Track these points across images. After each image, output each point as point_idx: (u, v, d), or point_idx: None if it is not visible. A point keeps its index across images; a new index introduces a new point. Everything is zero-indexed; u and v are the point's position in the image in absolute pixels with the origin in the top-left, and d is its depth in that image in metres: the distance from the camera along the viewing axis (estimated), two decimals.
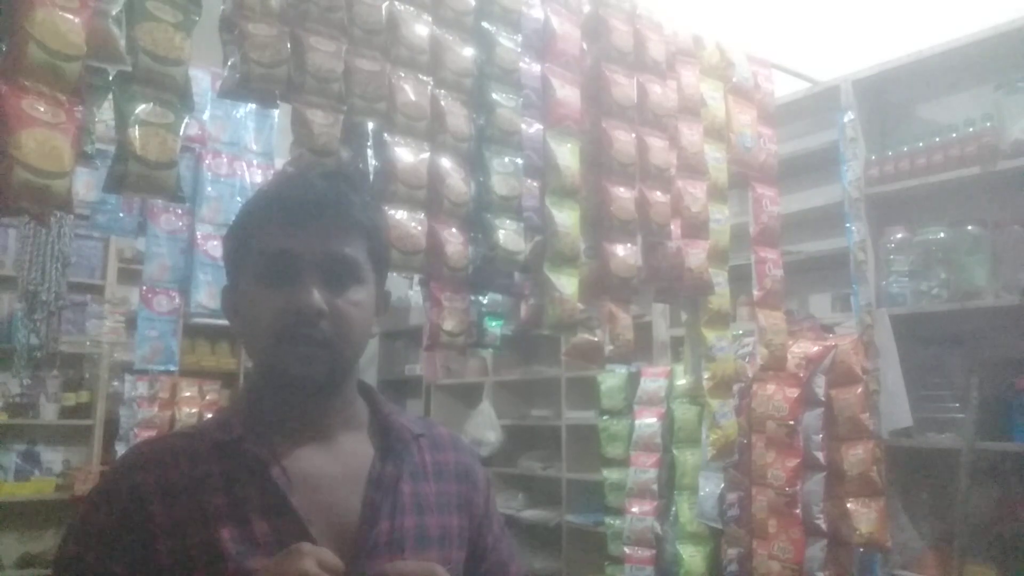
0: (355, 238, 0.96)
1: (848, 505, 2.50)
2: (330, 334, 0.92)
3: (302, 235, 0.92)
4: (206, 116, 2.56)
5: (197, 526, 0.86)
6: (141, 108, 1.35)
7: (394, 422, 1.01)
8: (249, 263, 0.95)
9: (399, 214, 1.61)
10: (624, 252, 1.97)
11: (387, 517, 0.94)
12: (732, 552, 2.79)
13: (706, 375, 2.26)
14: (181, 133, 1.41)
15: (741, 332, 2.77)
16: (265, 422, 0.95)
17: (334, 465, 0.95)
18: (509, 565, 1.11)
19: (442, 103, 1.70)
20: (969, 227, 2.59)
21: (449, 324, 1.69)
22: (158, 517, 0.86)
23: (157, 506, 0.87)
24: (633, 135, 2.01)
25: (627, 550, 3.06)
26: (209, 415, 4.24)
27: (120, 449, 4.09)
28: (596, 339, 1.95)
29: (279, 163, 2.69)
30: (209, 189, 2.59)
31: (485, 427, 4.92)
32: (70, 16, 1.22)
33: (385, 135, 1.61)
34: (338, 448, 0.97)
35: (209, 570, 0.85)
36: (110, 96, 1.39)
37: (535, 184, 1.86)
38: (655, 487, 3.03)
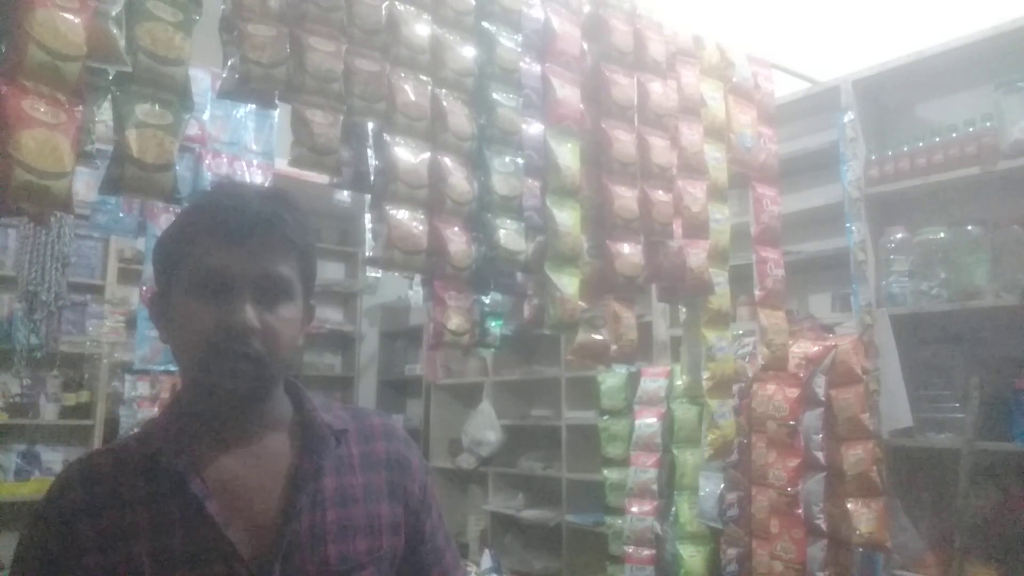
0: (288, 257, 0.97)
1: (848, 505, 2.50)
2: (260, 350, 0.93)
3: (238, 252, 0.93)
4: (206, 116, 2.56)
5: (120, 542, 0.89)
6: (140, 108, 1.35)
7: (315, 419, 1.02)
8: (183, 274, 0.95)
9: (400, 214, 1.61)
10: (629, 251, 1.97)
11: (307, 512, 0.96)
12: (732, 552, 2.79)
13: (706, 375, 2.26)
14: (180, 134, 1.41)
15: (741, 332, 2.77)
16: (187, 432, 0.96)
17: (254, 468, 0.96)
18: (445, 552, 1.13)
19: (443, 103, 1.70)
20: (969, 227, 2.59)
21: (454, 323, 1.69)
22: (84, 536, 0.89)
23: (84, 525, 0.89)
24: (633, 135, 2.01)
25: (627, 550, 3.06)
26: None
27: None
28: (602, 338, 1.95)
29: (279, 163, 2.69)
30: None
31: (485, 427, 4.92)
32: (70, 16, 1.21)
33: (385, 135, 1.61)
34: (259, 450, 0.98)
35: None
36: (110, 96, 1.39)
37: (536, 184, 1.87)
38: (655, 487, 3.03)
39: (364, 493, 1.02)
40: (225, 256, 0.93)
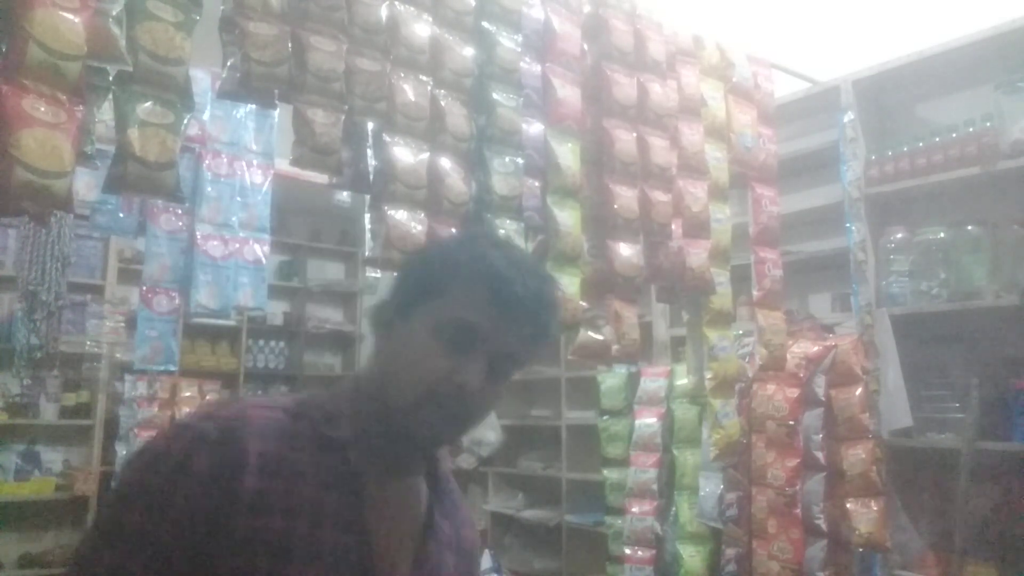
0: (535, 340, 0.96)
1: (848, 505, 2.51)
2: (469, 417, 0.94)
3: (502, 325, 0.92)
4: (206, 116, 2.56)
5: (275, 512, 0.85)
6: (141, 108, 1.35)
7: (443, 466, 1.05)
8: (438, 313, 0.93)
9: (399, 214, 1.61)
10: (629, 251, 1.97)
11: (435, 555, 0.98)
12: (731, 552, 2.79)
13: (708, 375, 2.26)
14: (182, 133, 1.41)
15: (741, 332, 2.77)
16: (366, 439, 0.94)
17: (399, 494, 0.98)
18: None
19: (442, 103, 1.70)
20: (969, 227, 2.59)
21: None
22: (247, 493, 0.84)
23: (250, 480, 0.84)
24: (634, 135, 2.01)
25: (627, 550, 3.06)
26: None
27: (120, 449, 4.09)
28: (603, 338, 1.95)
29: (279, 163, 2.69)
30: (209, 189, 2.59)
31: (485, 427, 4.91)
32: (70, 16, 1.22)
33: (385, 135, 1.62)
34: (404, 485, 0.99)
35: (271, 559, 0.83)
36: (110, 96, 1.39)
37: (536, 184, 1.87)
38: (655, 487, 3.03)
39: (458, 546, 1.04)
40: (491, 320, 0.91)
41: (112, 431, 4.28)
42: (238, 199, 2.65)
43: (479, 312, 0.91)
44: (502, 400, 1.00)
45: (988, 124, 2.55)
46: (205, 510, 0.82)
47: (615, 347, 1.97)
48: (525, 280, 0.93)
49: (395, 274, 1.03)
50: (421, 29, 1.68)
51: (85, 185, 2.26)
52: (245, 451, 0.85)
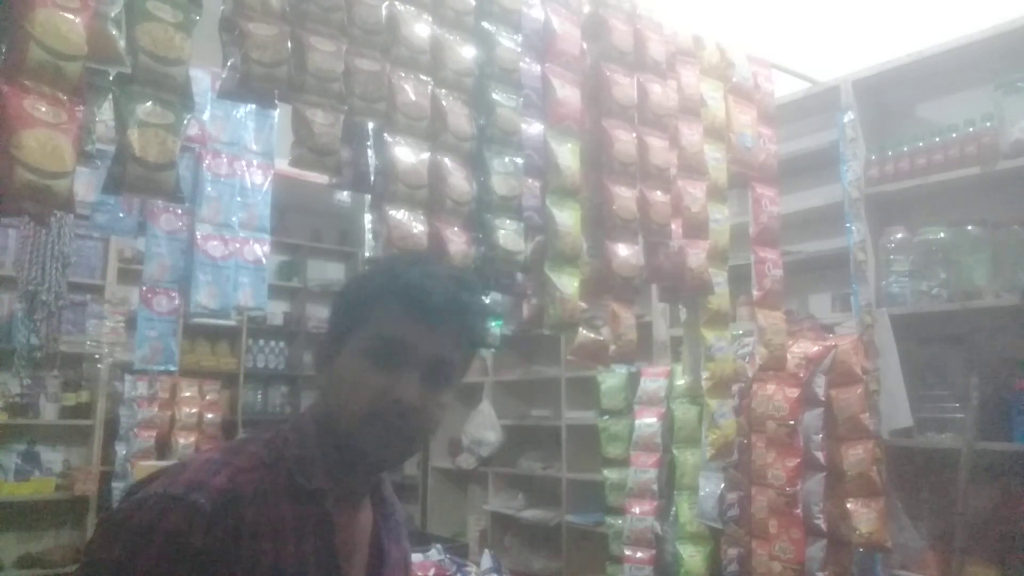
0: (463, 346, 1.00)
1: (848, 505, 2.51)
2: (415, 429, 0.97)
3: (426, 332, 0.95)
4: (206, 116, 2.56)
5: (265, 571, 0.87)
6: (141, 108, 1.35)
7: (386, 494, 1.10)
8: (364, 336, 0.96)
9: (400, 214, 1.61)
10: (627, 251, 1.97)
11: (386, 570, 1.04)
12: (732, 552, 2.79)
13: (705, 375, 2.26)
14: (182, 133, 1.41)
15: (741, 332, 2.77)
16: (327, 478, 0.96)
17: (356, 525, 1.03)
18: None
19: (443, 102, 1.70)
20: (969, 227, 2.59)
21: None
22: (245, 555, 0.86)
23: (244, 548, 0.86)
24: (633, 135, 2.01)
25: (627, 550, 3.06)
26: (210, 415, 4.26)
27: (120, 449, 4.10)
28: (601, 339, 1.95)
29: (279, 163, 2.69)
30: (209, 189, 2.59)
31: (485, 427, 4.92)
32: (70, 16, 1.22)
33: (386, 135, 1.62)
34: (357, 510, 1.04)
35: None
36: (110, 96, 1.39)
37: (536, 184, 1.87)
38: (655, 487, 3.03)
39: (397, 560, 1.09)
40: (414, 332, 0.95)
41: (112, 431, 4.29)
42: (238, 199, 2.65)
43: (401, 326, 0.95)
44: (448, 409, 1.02)
45: (988, 124, 2.55)
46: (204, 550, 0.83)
47: (612, 347, 1.97)
48: (442, 288, 0.97)
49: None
50: (421, 29, 1.68)
51: (85, 185, 2.26)
52: (241, 520, 0.87)
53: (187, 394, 4.25)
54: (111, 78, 1.36)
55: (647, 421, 3.10)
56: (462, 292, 1.00)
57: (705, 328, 2.24)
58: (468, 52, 1.75)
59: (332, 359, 0.99)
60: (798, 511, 2.54)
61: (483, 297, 1.11)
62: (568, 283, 1.85)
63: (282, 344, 5.91)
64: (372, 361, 0.95)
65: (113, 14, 1.32)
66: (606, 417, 3.33)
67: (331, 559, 0.93)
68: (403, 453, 1.00)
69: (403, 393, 0.93)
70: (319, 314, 6.11)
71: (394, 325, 0.95)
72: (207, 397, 4.34)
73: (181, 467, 0.91)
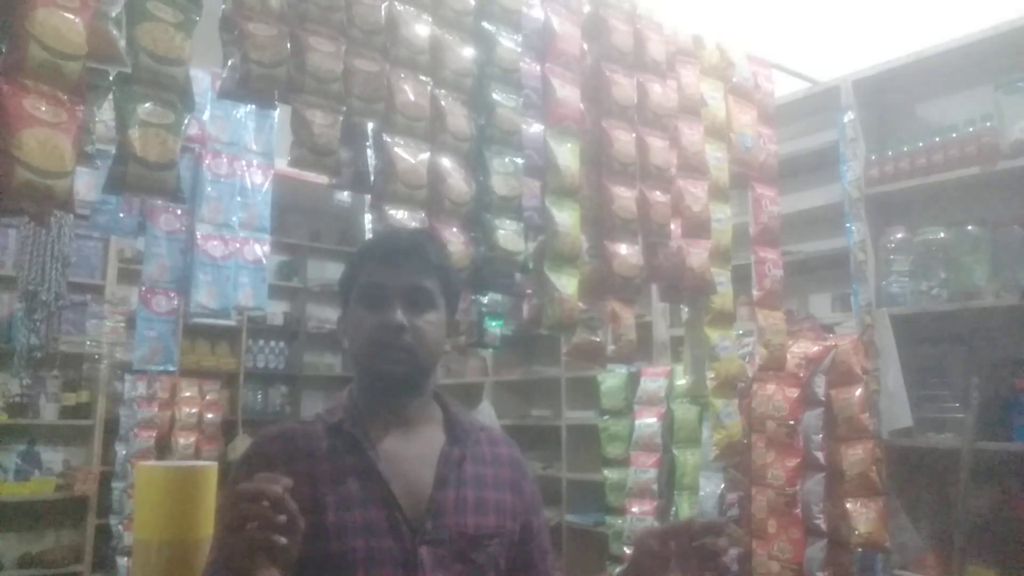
0: (430, 276, 1.25)
1: (847, 505, 2.50)
2: (411, 343, 1.20)
3: (392, 272, 1.22)
4: (206, 116, 2.56)
5: (307, 487, 1.10)
6: (142, 108, 1.35)
7: (461, 419, 1.29)
8: (355, 292, 1.24)
9: (399, 214, 1.61)
10: (627, 251, 1.97)
11: (452, 487, 1.20)
12: (732, 552, 2.79)
13: (710, 375, 2.26)
14: (182, 133, 1.41)
15: (741, 332, 2.77)
16: (363, 412, 1.23)
17: (414, 447, 1.23)
18: (548, 554, 1.34)
19: (442, 103, 1.70)
20: (969, 227, 2.59)
21: None
22: (289, 470, 1.05)
23: (282, 470, 1.04)
24: (633, 135, 2.01)
25: (627, 550, 3.06)
26: (210, 415, 4.27)
27: (120, 449, 4.10)
28: (598, 339, 1.95)
29: (279, 163, 2.69)
30: (209, 189, 2.59)
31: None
32: (71, 16, 1.22)
33: (385, 135, 1.61)
34: (417, 435, 1.24)
35: (313, 519, 1.06)
36: (110, 96, 1.39)
37: (536, 184, 1.87)
38: (655, 487, 3.03)
39: (494, 482, 1.26)
40: (383, 274, 1.22)
41: (112, 431, 4.29)
42: (238, 199, 2.65)
43: (375, 273, 1.23)
44: (442, 328, 1.26)
45: (988, 124, 2.55)
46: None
47: (611, 348, 1.97)
48: (395, 234, 1.36)
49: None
50: (421, 29, 1.68)
51: (85, 185, 2.26)
52: (282, 450, 1.18)
53: (187, 394, 4.24)
54: (111, 78, 1.36)
55: (647, 421, 3.10)
56: (410, 235, 1.33)
57: (709, 328, 2.24)
58: (468, 52, 1.75)
59: (346, 324, 1.26)
60: (798, 511, 2.54)
61: (432, 238, 1.41)
62: (567, 283, 1.85)
63: (282, 344, 5.91)
64: (364, 306, 1.22)
65: (113, 14, 1.31)
66: (606, 417, 3.33)
67: (371, 469, 1.16)
68: (410, 364, 1.20)
69: (388, 320, 1.19)
70: (319, 314, 6.11)
71: (370, 274, 1.23)
72: (207, 397, 4.33)
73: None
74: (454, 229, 1.69)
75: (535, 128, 1.87)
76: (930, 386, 2.68)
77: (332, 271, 6.31)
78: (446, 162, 1.69)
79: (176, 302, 2.62)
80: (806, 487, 2.55)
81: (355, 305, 1.24)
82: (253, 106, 2.45)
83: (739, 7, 3.02)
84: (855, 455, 2.52)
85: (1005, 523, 2.50)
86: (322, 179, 1.65)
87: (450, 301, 1.29)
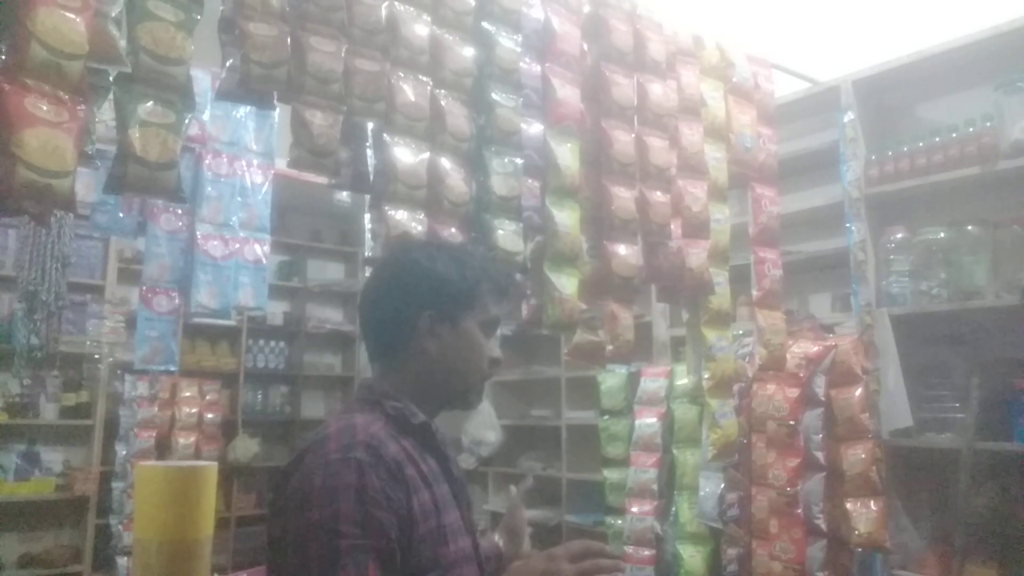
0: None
1: (847, 505, 2.50)
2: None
3: (506, 308, 1.38)
4: (206, 116, 2.56)
5: (425, 490, 1.13)
6: (142, 108, 1.36)
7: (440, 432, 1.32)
8: (477, 315, 1.28)
9: (399, 214, 1.61)
10: (626, 251, 1.97)
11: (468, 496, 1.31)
12: (732, 552, 2.79)
13: (706, 375, 2.26)
14: (183, 133, 1.41)
15: (740, 332, 2.77)
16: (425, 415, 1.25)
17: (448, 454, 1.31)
18: None
19: (442, 103, 1.70)
20: (969, 227, 2.59)
21: None
22: (409, 478, 1.11)
23: (408, 469, 1.11)
24: (633, 135, 2.01)
25: (627, 550, 3.06)
26: (210, 415, 4.27)
27: (120, 449, 4.09)
28: (598, 339, 1.95)
29: (279, 163, 2.69)
30: (209, 189, 2.59)
31: (485, 427, 4.92)
32: (72, 15, 1.22)
33: (385, 135, 1.62)
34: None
35: (434, 522, 1.12)
36: (110, 96, 1.39)
37: (536, 184, 1.87)
38: (655, 487, 3.03)
39: None
40: (501, 310, 1.33)
41: (112, 431, 4.29)
42: (238, 199, 2.66)
43: (498, 306, 1.32)
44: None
45: (988, 124, 2.55)
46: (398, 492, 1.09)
47: (609, 348, 1.97)
48: (511, 279, 1.51)
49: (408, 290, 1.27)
50: (421, 29, 1.68)
51: (85, 185, 2.26)
52: (391, 456, 1.11)
53: (187, 394, 4.25)
54: (112, 78, 1.36)
55: (647, 421, 3.11)
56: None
57: (706, 328, 2.24)
58: (467, 52, 1.75)
59: (447, 333, 1.25)
60: (798, 511, 2.54)
61: None
62: (567, 283, 1.85)
63: (282, 344, 5.91)
64: (483, 332, 1.29)
65: (114, 13, 1.32)
66: (606, 417, 3.33)
67: (448, 467, 1.23)
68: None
69: (501, 357, 1.32)
70: (319, 314, 6.11)
71: (496, 306, 1.32)
72: (207, 397, 4.34)
73: (325, 439, 1.10)
74: (453, 229, 1.70)
75: (535, 128, 1.87)
76: (930, 386, 2.68)
77: (332, 271, 6.30)
78: (446, 162, 1.69)
79: (177, 302, 2.62)
80: (806, 487, 2.55)
81: (472, 325, 1.27)
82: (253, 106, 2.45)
83: (739, 7, 3.02)
84: (855, 455, 2.52)
85: (1005, 523, 2.50)
86: (322, 179, 1.65)
87: None
